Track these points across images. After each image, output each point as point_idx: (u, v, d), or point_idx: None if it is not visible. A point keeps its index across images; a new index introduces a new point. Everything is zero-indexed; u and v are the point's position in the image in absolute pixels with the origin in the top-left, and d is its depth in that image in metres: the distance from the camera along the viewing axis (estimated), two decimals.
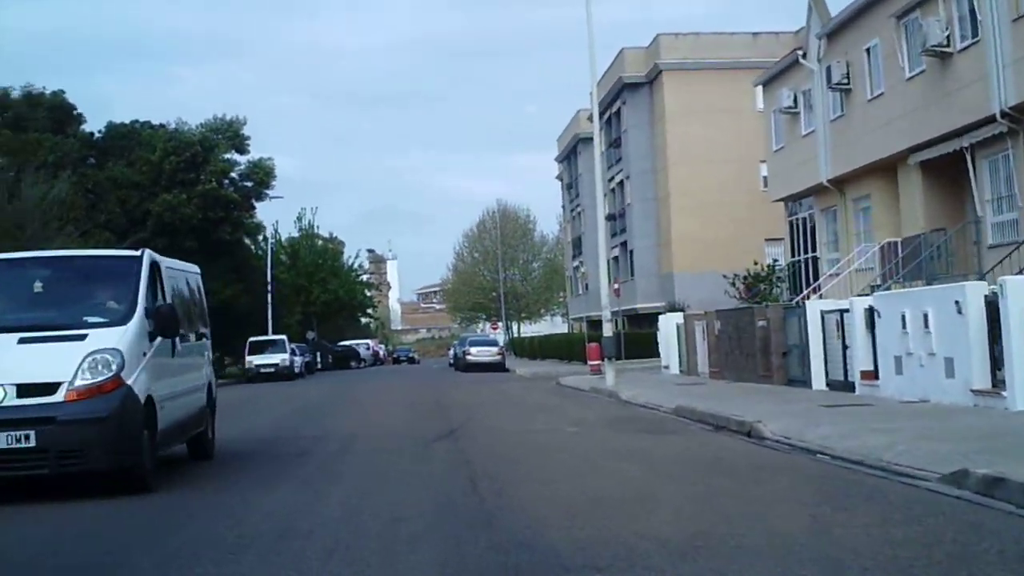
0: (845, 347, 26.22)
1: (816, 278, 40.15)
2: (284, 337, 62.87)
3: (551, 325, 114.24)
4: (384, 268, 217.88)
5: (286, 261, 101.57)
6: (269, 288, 73.99)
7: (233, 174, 62.73)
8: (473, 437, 19.59)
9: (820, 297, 33.74)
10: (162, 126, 62.00)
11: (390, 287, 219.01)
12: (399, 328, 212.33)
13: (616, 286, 38.23)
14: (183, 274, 18.06)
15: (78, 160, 56.35)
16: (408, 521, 10.82)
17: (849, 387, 25.73)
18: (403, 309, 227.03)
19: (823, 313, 27.83)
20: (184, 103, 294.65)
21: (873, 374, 24.57)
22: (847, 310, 25.94)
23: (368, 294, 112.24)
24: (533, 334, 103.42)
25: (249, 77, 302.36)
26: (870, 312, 24.45)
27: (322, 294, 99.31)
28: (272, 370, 58.62)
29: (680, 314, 43.46)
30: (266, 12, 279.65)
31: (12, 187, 47.83)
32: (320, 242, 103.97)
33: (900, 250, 33.47)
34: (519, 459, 15.98)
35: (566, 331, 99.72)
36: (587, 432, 20.28)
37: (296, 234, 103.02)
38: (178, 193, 58.07)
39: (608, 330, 35.12)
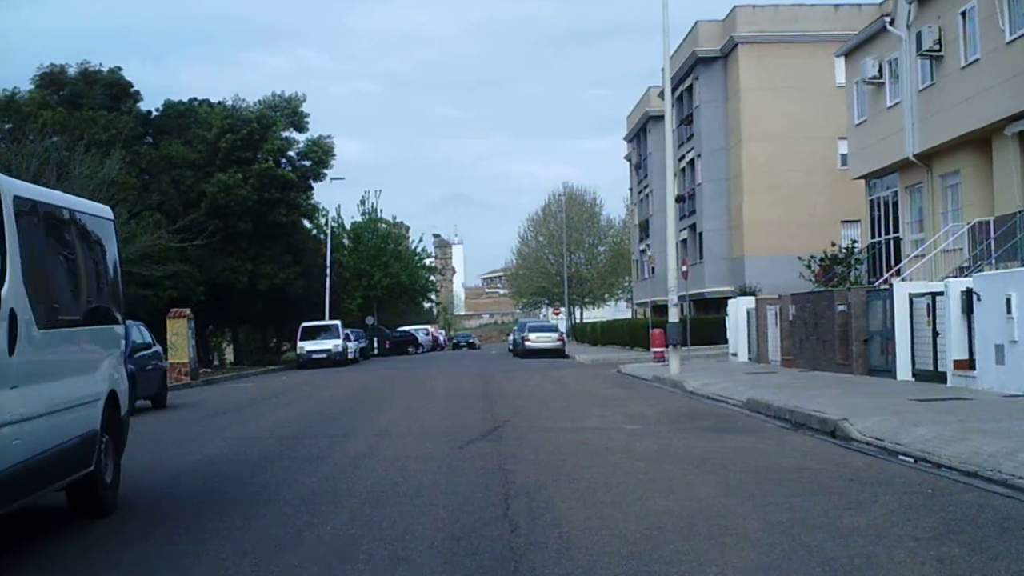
0: (936, 334, 23.51)
1: (898, 260, 37.40)
2: (338, 322, 60.68)
3: (615, 311, 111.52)
4: (449, 253, 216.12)
5: (348, 245, 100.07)
6: (328, 272, 72.00)
7: (291, 153, 60.01)
8: (517, 437, 17.10)
9: (902, 280, 30.95)
10: (220, 104, 59.85)
11: (455, 272, 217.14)
12: (462, 313, 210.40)
13: (684, 268, 35.57)
14: (69, 218, 11.41)
15: (132, 138, 54.25)
16: (411, 563, 8.46)
17: (939, 378, 23.05)
18: (467, 294, 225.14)
19: (912, 296, 25.10)
20: (255, 88, 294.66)
21: (968, 364, 21.92)
22: (940, 293, 23.19)
23: (431, 278, 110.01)
24: (596, 319, 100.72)
25: (321, 62, 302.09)
26: (968, 295, 21.74)
27: (383, 278, 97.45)
28: (324, 356, 56.44)
29: (751, 298, 40.80)
30: None
31: (62, 166, 45.99)
32: (383, 226, 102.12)
33: (993, 230, 30.69)
34: (565, 468, 13.44)
35: (629, 317, 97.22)
36: (647, 431, 17.73)
37: (360, 218, 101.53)
38: (233, 173, 55.81)
39: (674, 315, 32.47)
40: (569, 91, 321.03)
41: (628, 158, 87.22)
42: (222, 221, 56.41)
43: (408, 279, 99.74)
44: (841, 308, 29.00)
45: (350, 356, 60.45)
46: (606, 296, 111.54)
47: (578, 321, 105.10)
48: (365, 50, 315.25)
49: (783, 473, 12.53)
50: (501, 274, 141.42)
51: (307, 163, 60.68)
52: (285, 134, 59.69)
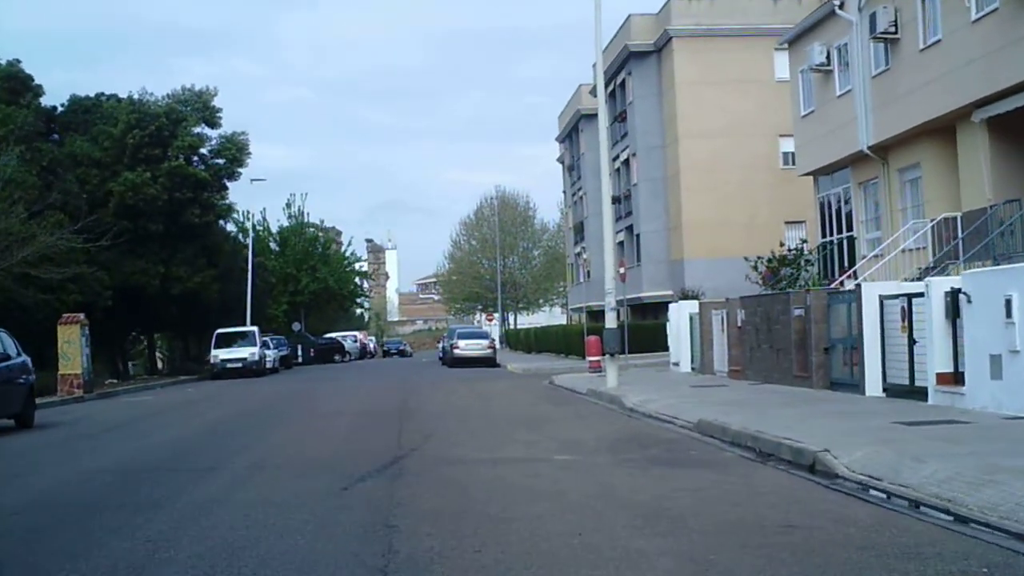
0: (913, 342, 20.28)
1: (852, 261, 34.53)
2: (254, 329, 56.91)
3: (549, 316, 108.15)
4: (383, 258, 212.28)
5: (275, 249, 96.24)
6: (250, 276, 68.22)
7: (203, 150, 56.30)
8: (420, 473, 13.65)
9: (857, 283, 27.91)
10: (128, 98, 55.80)
11: (388, 277, 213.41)
12: (396, 319, 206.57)
13: (622, 269, 32.33)
14: None
15: (32, 134, 50.30)
16: None
17: (917, 394, 19.84)
18: (401, 300, 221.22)
19: (883, 299, 21.82)
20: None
21: (954, 378, 18.75)
22: (919, 294, 19.94)
23: (361, 283, 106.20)
24: (530, 326, 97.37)
25: (251, 70, 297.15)
26: (954, 297, 18.50)
27: (311, 283, 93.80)
28: (240, 365, 52.72)
29: (694, 303, 37.58)
30: (266, 4, 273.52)
31: None
32: (312, 230, 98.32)
33: (961, 227, 27.77)
34: (472, 524, 9.94)
35: (564, 323, 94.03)
36: (582, 464, 14.32)
37: (287, 222, 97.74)
38: (142, 171, 51.97)
39: (611, 320, 29.12)
40: (504, 98, 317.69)
41: (561, 160, 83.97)
42: (131, 222, 52.64)
43: (336, 284, 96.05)
44: (798, 312, 25.83)
45: (268, 365, 56.75)
46: (541, 301, 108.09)
47: (512, 327, 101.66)
48: (297, 58, 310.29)
49: (765, 534, 9.16)
50: (435, 280, 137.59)
51: (221, 161, 56.76)
52: (196, 130, 55.80)
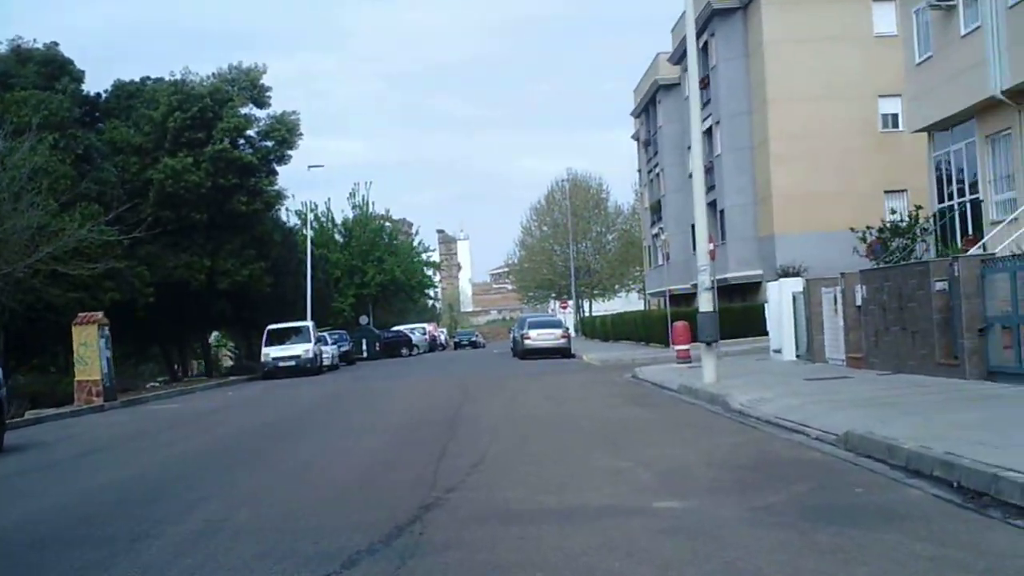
0: None
1: (978, 228, 29.20)
2: (309, 324, 52.21)
3: (626, 303, 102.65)
4: (455, 249, 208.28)
5: (340, 241, 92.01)
6: (309, 268, 63.77)
7: (250, 132, 51.65)
8: (447, 545, 8.64)
9: (984, 251, 22.74)
10: (171, 79, 51.27)
11: (460, 268, 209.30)
12: (470, 310, 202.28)
13: (712, 246, 27.15)
14: None
15: (69, 121, 46.05)
16: None
17: None
18: (475, 290, 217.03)
19: None
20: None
21: None
22: None
23: (430, 274, 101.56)
24: (605, 313, 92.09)
25: (327, 63, 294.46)
26: None
27: (377, 275, 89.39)
28: (293, 364, 48.10)
29: (797, 280, 32.32)
30: None
31: None
32: (380, 221, 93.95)
33: None
34: None
35: (641, 308, 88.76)
36: (699, 520, 9.18)
37: (351, 213, 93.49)
38: (184, 156, 47.51)
39: (706, 302, 23.95)
40: (578, 85, 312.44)
41: (636, 136, 78.54)
42: (173, 212, 48.25)
43: (404, 275, 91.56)
44: (941, 286, 20.62)
45: (326, 362, 52.14)
46: (616, 287, 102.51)
47: (587, 315, 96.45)
48: (369, 51, 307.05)
49: None
50: (507, 270, 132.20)
51: (269, 143, 51.78)
52: (243, 111, 50.98)
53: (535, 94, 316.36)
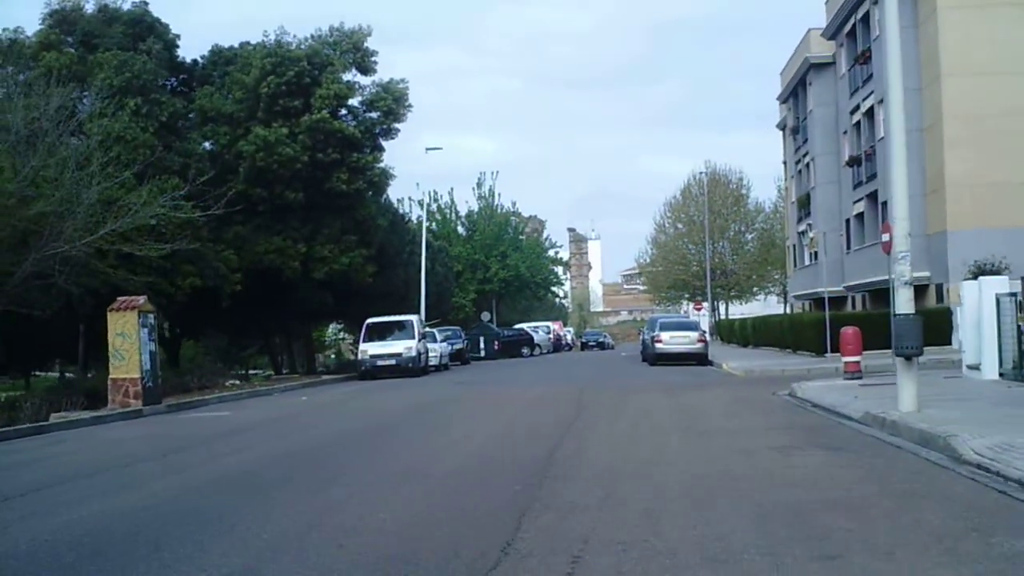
0: None
1: None
2: (413, 318, 46.06)
3: (763, 306, 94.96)
4: (585, 248, 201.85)
5: (463, 234, 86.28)
6: (423, 258, 57.97)
7: (353, 102, 45.68)
8: None
9: None
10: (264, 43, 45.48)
11: (591, 267, 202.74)
12: (599, 310, 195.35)
13: (887, 236, 20.37)
14: None
15: (155, 85, 40.67)
16: None
17: None
18: (605, 291, 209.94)
19: None
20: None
21: None
22: None
23: (557, 271, 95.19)
24: (742, 316, 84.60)
25: (462, 61, 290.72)
26: None
27: (500, 270, 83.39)
28: (393, 363, 42.11)
29: (1002, 280, 25.23)
30: None
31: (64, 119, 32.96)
32: (515, 219, 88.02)
33: None
34: None
35: (781, 312, 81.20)
36: None
37: (476, 205, 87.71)
38: (277, 127, 41.79)
39: (905, 301, 17.11)
40: (713, 85, 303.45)
41: (782, 124, 71.01)
42: (265, 190, 42.57)
43: (529, 271, 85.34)
44: None
45: (432, 361, 46.08)
46: (755, 289, 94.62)
47: (722, 317, 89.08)
48: (504, 49, 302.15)
49: None
50: (638, 270, 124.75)
51: (374, 115, 45.52)
52: (346, 77, 44.93)
53: (666, 94, 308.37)
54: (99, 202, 32.74)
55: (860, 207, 49.90)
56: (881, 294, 48.17)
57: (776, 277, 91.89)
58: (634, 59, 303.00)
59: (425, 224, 62.26)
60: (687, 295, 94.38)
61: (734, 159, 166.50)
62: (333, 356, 74.81)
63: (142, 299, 27.75)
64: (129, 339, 26.64)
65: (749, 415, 19.43)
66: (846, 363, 26.07)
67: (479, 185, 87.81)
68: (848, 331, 26.34)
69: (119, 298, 28.06)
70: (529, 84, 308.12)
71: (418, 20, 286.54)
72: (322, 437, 17.82)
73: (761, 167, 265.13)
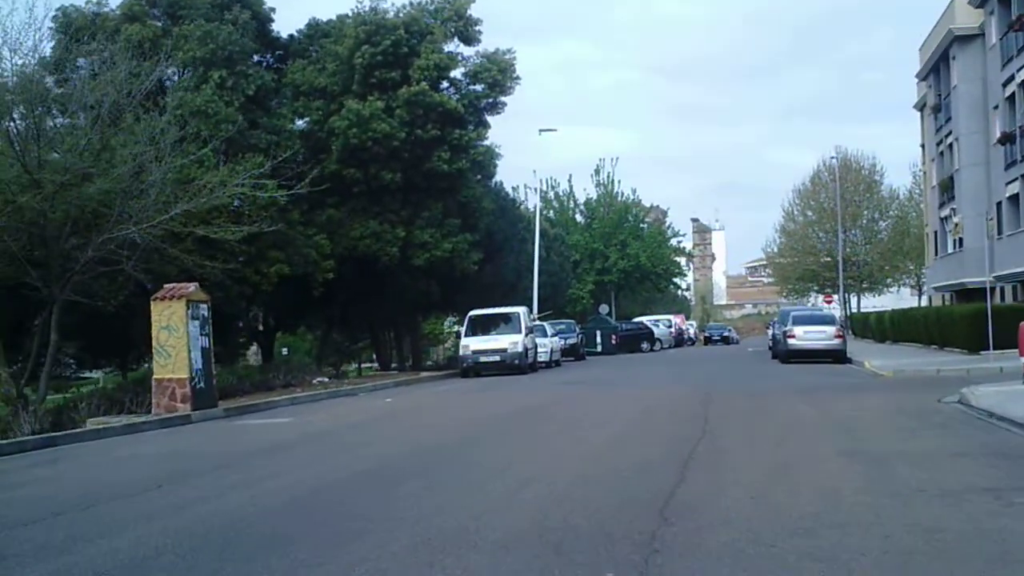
0: None
1: None
2: (520, 310, 41.67)
3: (897, 299, 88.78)
4: (709, 239, 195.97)
5: (581, 222, 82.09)
6: (536, 246, 54.01)
7: (455, 73, 41.79)
8: None
9: None
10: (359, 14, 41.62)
11: (715, 259, 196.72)
12: (723, 303, 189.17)
13: None
14: None
15: (241, 56, 37.13)
16: None
17: None
18: (729, 283, 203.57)
19: None
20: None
21: None
22: None
23: (680, 261, 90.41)
24: (874, 309, 78.80)
25: (588, 53, 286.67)
26: None
27: (620, 260, 78.99)
28: (497, 358, 38.09)
29: None
30: None
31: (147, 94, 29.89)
32: (626, 202, 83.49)
33: None
34: None
35: (915, 305, 75.33)
36: None
37: (595, 192, 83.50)
38: (373, 100, 38.06)
39: None
40: (839, 76, 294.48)
41: (921, 104, 65.28)
42: (359, 170, 38.88)
43: (649, 262, 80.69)
44: None
45: (541, 357, 41.96)
46: (889, 281, 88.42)
47: (855, 311, 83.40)
48: (629, 41, 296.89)
49: None
50: (764, 262, 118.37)
51: (478, 87, 41.37)
52: (447, 47, 40.85)
53: (792, 86, 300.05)
54: (175, 180, 29.56)
55: (1014, 188, 44.52)
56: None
57: (911, 268, 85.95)
58: (758, 51, 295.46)
59: (539, 209, 58.18)
60: (816, 287, 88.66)
61: (867, 145, 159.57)
62: (451, 350, 71.26)
63: (192, 286, 23.80)
64: (176, 333, 22.74)
65: (926, 433, 14.96)
66: None
67: (598, 171, 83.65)
68: None
69: (166, 285, 24.21)
70: (651, 76, 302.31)
71: (545, 13, 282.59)
72: (363, 464, 13.63)
73: (895, 156, 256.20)
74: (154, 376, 23.03)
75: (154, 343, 22.97)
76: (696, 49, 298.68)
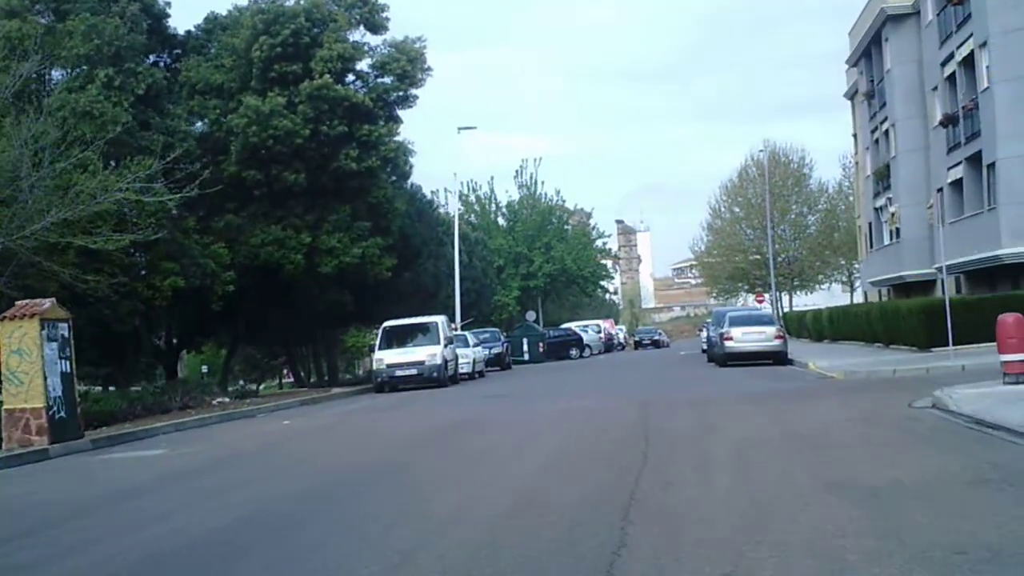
0: None
1: None
2: (438, 319, 38.84)
3: (829, 296, 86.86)
4: (634, 240, 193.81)
5: (504, 225, 79.43)
6: (456, 251, 51.24)
7: (362, 65, 38.96)
8: None
9: None
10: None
11: (640, 261, 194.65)
12: (651, 306, 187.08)
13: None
14: None
15: (130, 52, 33.91)
16: None
17: None
18: (656, 286, 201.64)
19: None
20: (438, 91, 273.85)
21: None
22: None
23: (606, 264, 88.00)
24: (806, 307, 76.82)
25: (510, 59, 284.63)
26: None
27: (545, 264, 76.38)
28: (414, 371, 35.23)
29: None
30: None
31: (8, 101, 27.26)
32: (549, 203, 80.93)
33: None
34: None
35: (848, 302, 73.48)
36: None
37: (517, 194, 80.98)
38: (273, 96, 35.08)
39: None
40: (761, 76, 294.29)
41: (851, 93, 63.29)
42: (260, 171, 35.88)
43: (575, 264, 78.18)
44: None
45: (463, 369, 39.20)
46: (820, 278, 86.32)
47: (787, 309, 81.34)
48: (552, 45, 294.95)
49: None
50: (694, 263, 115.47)
51: (387, 79, 38.44)
52: (352, 36, 37.90)
53: (713, 87, 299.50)
54: (54, 187, 26.71)
55: (957, 172, 42.35)
56: (983, 275, 40.88)
57: (842, 264, 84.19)
58: (683, 52, 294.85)
59: (459, 211, 55.51)
60: (746, 286, 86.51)
61: (796, 139, 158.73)
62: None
63: (48, 303, 20.38)
64: (29, 357, 19.41)
65: (915, 450, 12.33)
66: (1006, 363, 18.78)
67: (519, 173, 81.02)
68: (1008, 320, 19.00)
69: (17, 303, 20.83)
70: (570, 81, 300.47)
71: (458, 21, 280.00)
72: (222, 518, 10.69)
73: (824, 147, 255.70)
74: (4, 407, 19.67)
75: (3, 369, 19.65)
76: (613, 51, 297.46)
